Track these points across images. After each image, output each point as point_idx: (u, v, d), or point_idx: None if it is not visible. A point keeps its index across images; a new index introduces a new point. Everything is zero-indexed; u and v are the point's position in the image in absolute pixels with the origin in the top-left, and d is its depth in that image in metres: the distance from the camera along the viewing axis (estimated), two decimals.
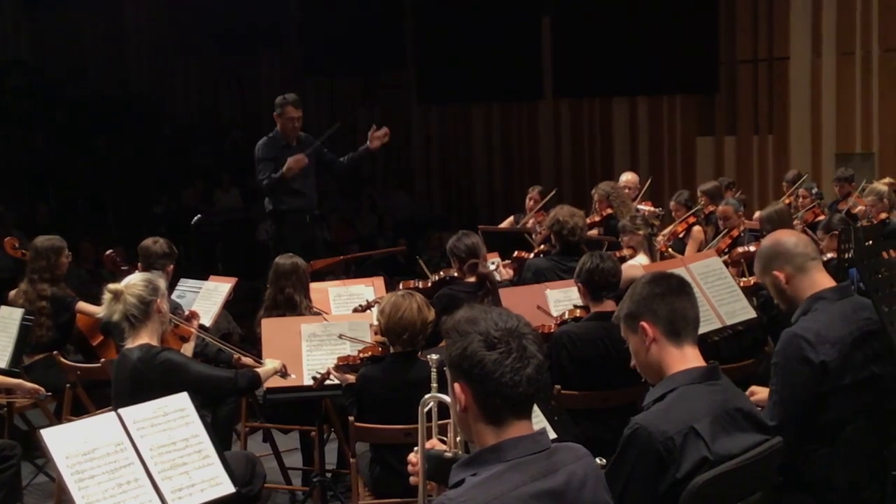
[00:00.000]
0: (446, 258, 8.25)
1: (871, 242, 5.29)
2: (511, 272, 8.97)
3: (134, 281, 5.87)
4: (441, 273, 8.08)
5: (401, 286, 7.55)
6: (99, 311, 7.39)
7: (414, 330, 5.88)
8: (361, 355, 6.23)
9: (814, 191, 12.17)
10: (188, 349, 6.72)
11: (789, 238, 4.98)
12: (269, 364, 6.45)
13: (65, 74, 24.86)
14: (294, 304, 7.44)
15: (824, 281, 4.85)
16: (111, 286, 5.86)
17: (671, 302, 3.96)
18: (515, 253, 9.23)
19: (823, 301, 4.72)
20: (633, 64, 17.83)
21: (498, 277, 8.30)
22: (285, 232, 10.33)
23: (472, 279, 7.67)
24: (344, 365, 6.26)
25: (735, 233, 10.16)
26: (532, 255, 9.11)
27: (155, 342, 5.82)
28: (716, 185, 12.38)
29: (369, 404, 5.88)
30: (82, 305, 8.46)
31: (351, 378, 6.07)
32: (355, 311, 7.65)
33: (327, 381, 6.43)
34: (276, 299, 7.49)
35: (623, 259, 8.39)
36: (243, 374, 6.20)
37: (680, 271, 5.83)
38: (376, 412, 5.83)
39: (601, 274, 6.47)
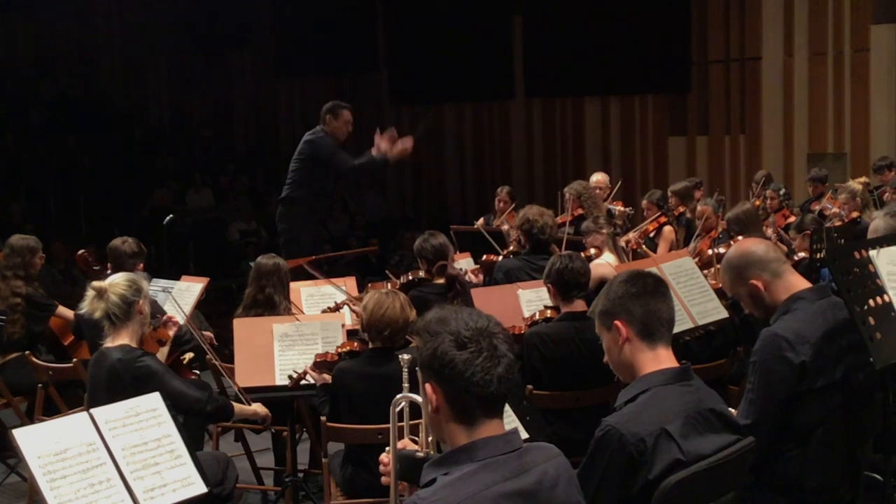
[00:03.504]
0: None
1: (842, 242, 5.31)
2: (479, 277, 8.93)
3: (118, 280, 5.87)
4: (409, 275, 8.03)
5: (369, 287, 7.53)
6: (72, 314, 7.40)
7: (395, 327, 5.87)
8: (339, 351, 6.22)
9: (781, 192, 12.20)
10: (164, 353, 6.70)
11: (758, 246, 4.95)
12: (255, 407, 6.44)
13: (36, 74, 24.77)
14: (273, 303, 7.40)
15: (799, 282, 4.84)
16: (95, 283, 5.85)
17: (646, 302, 3.95)
18: (484, 256, 9.18)
19: (803, 301, 4.70)
20: (605, 64, 17.90)
21: None
22: (299, 226, 10.24)
23: (440, 280, 7.66)
24: (321, 362, 6.23)
25: (714, 234, 10.14)
26: (500, 257, 9.07)
27: (134, 343, 5.83)
28: (686, 186, 12.39)
29: (344, 398, 5.86)
30: (61, 310, 8.44)
31: (328, 378, 6.05)
32: (324, 311, 7.64)
33: (302, 381, 6.40)
34: (255, 298, 7.45)
35: (590, 259, 8.40)
36: (214, 400, 6.14)
37: (651, 271, 5.83)
38: (351, 406, 5.82)
39: (571, 274, 6.48)
